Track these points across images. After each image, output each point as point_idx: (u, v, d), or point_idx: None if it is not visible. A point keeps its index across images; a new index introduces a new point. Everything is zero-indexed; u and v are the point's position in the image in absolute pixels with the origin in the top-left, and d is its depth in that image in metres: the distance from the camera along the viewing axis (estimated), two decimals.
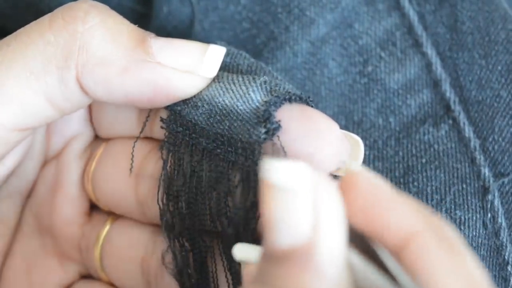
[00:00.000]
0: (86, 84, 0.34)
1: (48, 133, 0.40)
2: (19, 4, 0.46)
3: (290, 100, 0.34)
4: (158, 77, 0.34)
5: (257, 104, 0.34)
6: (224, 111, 0.35)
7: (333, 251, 0.27)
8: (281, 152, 0.33)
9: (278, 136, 0.33)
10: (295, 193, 0.27)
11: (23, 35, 0.35)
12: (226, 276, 0.36)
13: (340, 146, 0.33)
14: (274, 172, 0.27)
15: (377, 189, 0.28)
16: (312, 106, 0.34)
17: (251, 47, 0.44)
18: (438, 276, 0.27)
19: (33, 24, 0.35)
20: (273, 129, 0.33)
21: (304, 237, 0.27)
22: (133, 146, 0.38)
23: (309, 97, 0.34)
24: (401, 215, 0.28)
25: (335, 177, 0.34)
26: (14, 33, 0.35)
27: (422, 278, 0.27)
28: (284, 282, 0.28)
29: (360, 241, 0.29)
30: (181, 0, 0.44)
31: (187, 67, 0.34)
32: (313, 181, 0.27)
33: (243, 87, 0.35)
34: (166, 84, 0.34)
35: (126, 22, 0.35)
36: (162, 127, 0.36)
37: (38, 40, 0.34)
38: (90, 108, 0.40)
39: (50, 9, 0.36)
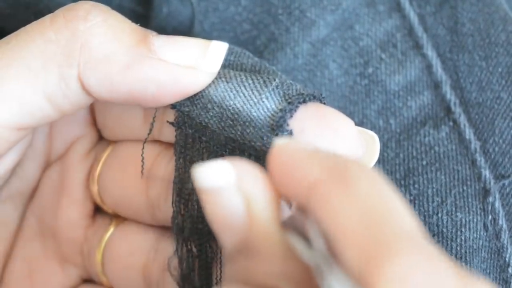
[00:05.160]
0: (87, 82, 0.34)
1: (50, 136, 0.40)
2: (19, 4, 0.46)
3: (304, 102, 0.34)
4: (161, 73, 0.34)
5: (271, 112, 0.34)
6: (236, 116, 0.34)
7: (269, 235, 0.29)
8: None
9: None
10: (221, 191, 0.29)
11: (23, 34, 0.34)
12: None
13: (356, 143, 0.34)
14: (200, 176, 0.29)
15: (292, 150, 0.29)
16: (324, 103, 0.35)
17: (251, 48, 0.44)
18: (333, 220, 0.26)
19: (34, 23, 0.35)
20: (285, 135, 0.33)
21: (243, 230, 0.29)
22: (143, 148, 0.37)
23: (321, 95, 0.34)
24: (305, 167, 0.28)
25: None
26: (15, 32, 0.35)
27: (323, 226, 0.27)
28: (243, 275, 0.29)
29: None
30: (181, 1, 0.44)
31: (190, 63, 0.34)
32: (237, 173, 0.29)
33: (256, 93, 0.35)
34: (169, 80, 0.34)
35: (127, 20, 0.35)
36: (173, 125, 0.36)
37: (38, 38, 0.34)
38: (93, 111, 0.40)
39: (49, 10, 0.36)
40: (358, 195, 0.26)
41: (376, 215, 0.26)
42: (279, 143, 0.30)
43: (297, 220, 0.30)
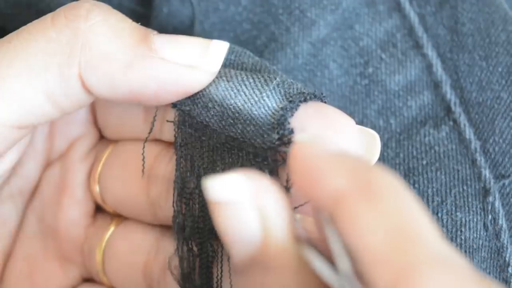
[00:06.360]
0: (88, 81, 0.34)
1: (51, 135, 0.40)
2: (19, 4, 0.46)
3: (305, 101, 0.34)
4: (161, 72, 0.34)
5: (272, 110, 0.34)
6: (236, 114, 0.34)
7: (283, 249, 0.28)
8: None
9: (291, 141, 0.33)
10: (236, 205, 0.28)
11: (25, 33, 0.34)
12: (230, 283, 0.35)
13: (357, 142, 0.34)
14: (212, 189, 0.29)
15: (316, 151, 0.28)
16: (325, 103, 0.35)
17: (251, 48, 0.44)
18: (360, 238, 0.26)
19: (35, 22, 0.35)
20: (286, 135, 0.33)
21: (256, 244, 0.29)
22: (143, 147, 0.37)
23: (322, 94, 0.34)
24: (331, 174, 0.27)
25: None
26: (16, 31, 0.35)
27: (349, 239, 0.26)
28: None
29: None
30: (182, 1, 0.44)
31: (191, 62, 0.34)
32: (251, 187, 0.28)
33: (257, 91, 0.35)
34: (170, 79, 0.34)
35: (128, 20, 0.35)
36: (173, 124, 0.36)
37: (39, 37, 0.34)
38: (93, 110, 0.40)
39: (50, 9, 0.36)
40: (386, 211, 0.26)
41: (405, 234, 0.25)
42: (301, 141, 0.29)
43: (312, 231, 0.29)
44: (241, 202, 0.28)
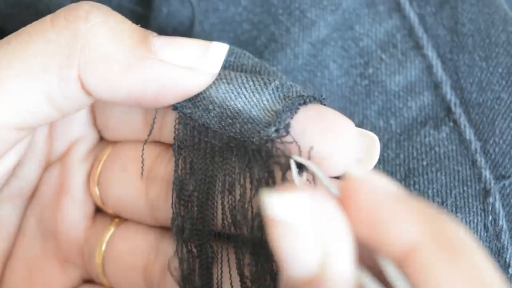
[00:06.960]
0: (88, 83, 0.34)
1: (50, 136, 0.40)
2: (19, 5, 0.46)
3: (305, 103, 0.34)
4: (161, 74, 0.34)
5: (271, 112, 0.34)
6: (235, 114, 0.34)
7: (343, 276, 0.27)
8: (293, 150, 0.33)
9: (289, 133, 0.33)
10: (297, 226, 0.27)
11: (24, 34, 0.34)
12: (231, 284, 0.35)
13: (356, 145, 0.33)
14: (273, 206, 0.27)
15: (378, 198, 0.27)
16: (325, 105, 0.34)
17: (251, 48, 0.44)
18: None
19: (34, 23, 0.35)
20: (283, 128, 0.33)
21: (314, 267, 0.27)
22: (143, 149, 0.37)
23: (321, 96, 0.34)
24: (401, 225, 0.27)
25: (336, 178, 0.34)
26: (15, 32, 0.35)
27: None
28: None
29: (367, 254, 0.29)
30: (181, 1, 0.44)
31: (190, 64, 0.34)
32: (313, 209, 0.27)
33: (256, 95, 0.35)
34: (169, 81, 0.34)
35: (127, 21, 0.35)
36: (174, 126, 0.36)
37: (39, 39, 0.34)
38: (93, 111, 0.40)
39: (49, 10, 0.36)
40: (466, 269, 0.25)
41: None
42: (353, 177, 0.28)
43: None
44: (301, 224, 0.27)
